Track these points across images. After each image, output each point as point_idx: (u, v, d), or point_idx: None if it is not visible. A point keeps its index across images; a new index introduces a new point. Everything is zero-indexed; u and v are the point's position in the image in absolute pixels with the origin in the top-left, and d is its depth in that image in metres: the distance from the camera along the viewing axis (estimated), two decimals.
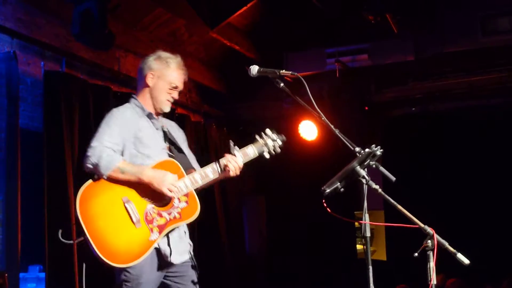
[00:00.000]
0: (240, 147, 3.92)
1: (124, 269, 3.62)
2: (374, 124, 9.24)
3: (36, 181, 5.76)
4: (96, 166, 3.61)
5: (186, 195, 3.78)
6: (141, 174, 3.64)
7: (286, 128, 8.38)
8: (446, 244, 2.99)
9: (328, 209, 3.22)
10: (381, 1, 7.27)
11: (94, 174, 3.67)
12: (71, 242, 3.71)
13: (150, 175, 3.65)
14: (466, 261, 2.96)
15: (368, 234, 3.13)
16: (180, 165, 3.82)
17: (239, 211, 9.42)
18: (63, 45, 6.38)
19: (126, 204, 3.61)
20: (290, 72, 3.69)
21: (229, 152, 3.89)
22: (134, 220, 3.59)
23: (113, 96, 6.70)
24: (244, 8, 7.20)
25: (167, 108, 3.99)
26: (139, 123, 3.86)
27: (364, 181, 3.16)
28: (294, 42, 8.71)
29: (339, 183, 3.21)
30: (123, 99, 6.80)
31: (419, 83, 8.77)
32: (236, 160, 3.86)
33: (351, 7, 7.84)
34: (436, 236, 2.97)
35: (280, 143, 4.03)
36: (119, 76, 7.14)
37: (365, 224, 3.12)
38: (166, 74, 3.95)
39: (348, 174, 3.21)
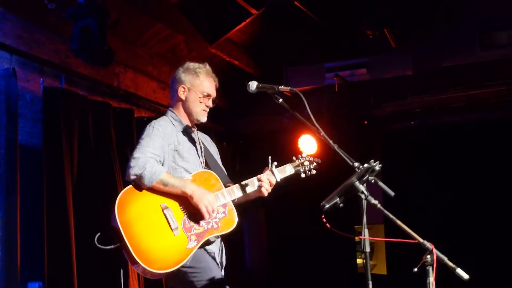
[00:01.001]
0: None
1: (187, 271, 3.64)
2: (373, 138, 9.24)
3: (35, 197, 5.75)
4: (139, 177, 3.60)
5: (224, 206, 3.82)
6: (184, 187, 3.66)
7: (285, 142, 8.47)
8: (446, 259, 2.98)
9: (327, 224, 3.22)
10: (379, 16, 7.31)
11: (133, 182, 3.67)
12: (108, 247, 3.68)
13: (193, 189, 3.67)
14: (465, 276, 2.95)
15: (367, 249, 3.12)
16: (218, 177, 3.88)
17: (240, 224, 9.39)
18: (62, 62, 6.40)
19: (164, 211, 3.63)
20: (289, 88, 3.71)
21: (268, 169, 3.98)
22: (173, 227, 3.60)
23: (113, 112, 6.71)
24: (243, 23, 7.23)
25: (203, 118, 4.03)
26: (178, 137, 3.90)
27: (363, 196, 3.16)
28: (293, 57, 8.75)
29: (338, 199, 3.20)
30: (122, 115, 6.87)
31: (418, 97, 8.78)
32: (269, 178, 3.94)
33: (349, 22, 7.88)
34: (435, 251, 2.96)
35: (315, 164, 4.15)
36: (118, 92, 7.15)
37: (364, 239, 3.11)
38: (197, 84, 3.99)
39: (347, 190, 3.21)
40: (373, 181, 3.24)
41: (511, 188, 8.28)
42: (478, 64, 7.98)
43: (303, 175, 4.09)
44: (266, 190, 3.93)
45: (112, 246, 3.64)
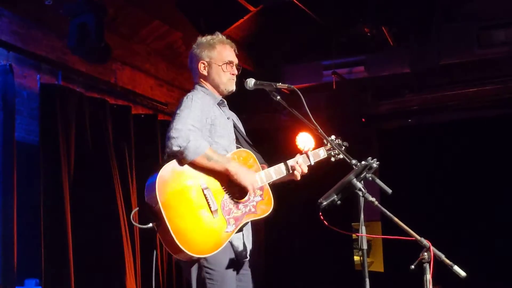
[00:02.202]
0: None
1: (206, 267, 3.50)
2: (370, 135, 9.25)
3: (32, 194, 5.74)
4: (184, 149, 3.39)
5: (261, 189, 3.69)
6: (228, 164, 3.51)
7: (283, 140, 8.47)
8: (443, 256, 2.99)
9: (325, 222, 3.22)
10: (377, 14, 7.30)
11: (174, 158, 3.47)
12: (148, 226, 3.38)
13: (237, 167, 3.54)
14: (462, 273, 2.96)
15: (364, 246, 3.12)
16: (256, 158, 3.78)
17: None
18: (59, 58, 6.38)
19: (205, 191, 3.46)
20: (287, 85, 3.71)
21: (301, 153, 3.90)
22: (213, 209, 3.44)
23: (110, 108, 6.70)
24: (241, 20, 7.21)
25: (232, 87, 3.88)
26: (214, 111, 3.75)
27: (360, 193, 3.16)
28: (291, 54, 8.74)
29: (335, 196, 3.21)
30: (119, 112, 6.86)
31: (416, 95, 8.79)
32: (305, 161, 3.86)
33: (347, 19, 7.87)
34: (432, 248, 2.96)
35: (343, 148, 3.99)
36: (115, 88, 7.13)
37: (361, 236, 3.11)
38: (215, 56, 3.86)
39: (344, 187, 3.21)
40: (370, 178, 3.25)
41: (508, 185, 8.29)
42: (475, 62, 7.98)
43: (332, 159, 3.97)
44: (299, 173, 3.82)
45: (150, 225, 3.38)
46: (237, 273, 3.69)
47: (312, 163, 3.91)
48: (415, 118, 9.16)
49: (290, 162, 3.84)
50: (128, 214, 6.58)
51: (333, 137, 4.04)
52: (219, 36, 3.95)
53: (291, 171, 3.82)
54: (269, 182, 3.74)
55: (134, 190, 6.83)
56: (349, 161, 3.40)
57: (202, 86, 3.87)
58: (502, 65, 8.01)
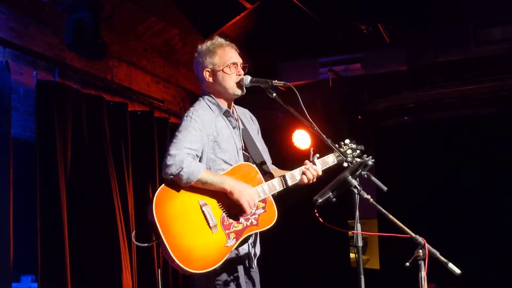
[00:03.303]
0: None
1: (215, 280, 3.54)
2: (366, 133, 9.25)
3: (28, 190, 5.74)
4: (177, 176, 3.45)
5: (264, 201, 3.68)
6: (223, 184, 3.53)
7: (280, 137, 8.48)
8: (438, 253, 2.99)
9: (320, 219, 3.22)
10: (374, 11, 7.31)
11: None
12: (146, 245, 3.54)
13: (232, 185, 3.54)
14: (457, 270, 2.97)
15: (360, 243, 3.13)
16: (257, 169, 3.76)
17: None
18: (56, 55, 6.38)
19: (203, 208, 3.50)
20: (283, 82, 3.71)
21: (309, 160, 3.82)
22: (211, 224, 3.46)
23: (106, 105, 6.70)
24: (238, 17, 7.21)
25: (239, 90, 3.85)
26: (217, 125, 3.74)
27: (356, 191, 3.17)
28: (288, 52, 8.74)
29: (331, 193, 3.21)
30: (116, 109, 6.86)
31: (412, 93, 8.80)
32: (315, 168, 3.78)
33: (344, 17, 7.87)
34: (427, 245, 2.97)
35: (359, 152, 3.94)
36: (112, 85, 7.13)
37: (357, 233, 3.12)
38: (217, 61, 3.82)
39: (340, 184, 3.22)
40: (366, 176, 3.25)
41: (504, 182, 8.31)
42: (472, 60, 7.99)
43: (345, 164, 3.78)
44: (308, 181, 3.77)
45: (150, 244, 3.52)
46: (245, 274, 3.74)
47: (320, 173, 3.82)
48: (412, 116, 9.16)
49: (296, 172, 3.79)
50: (124, 210, 6.60)
51: (347, 141, 4.00)
52: (217, 40, 3.90)
53: (297, 181, 3.78)
54: (272, 194, 3.73)
55: (130, 186, 6.83)
56: (344, 158, 3.41)
57: (209, 95, 3.86)
58: (498, 62, 8.02)
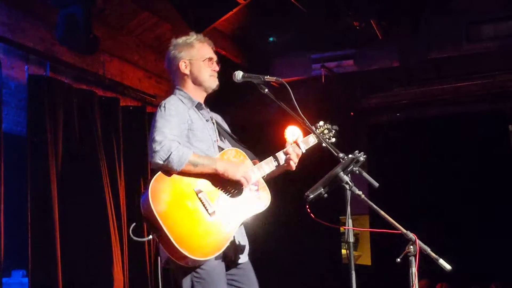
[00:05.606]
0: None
1: (194, 271, 3.49)
2: (359, 129, 9.27)
3: (19, 185, 5.72)
4: (167, 161, 3.40)
5: (256, 184, 3.72)
6: (215, 165, 3.54)
7: (272, 133, 8.47)
8: (428, 249, 3.01)
9: (311, 214, 3.23)
10: (366, 7, 7.30)
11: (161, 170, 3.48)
12: (143, 239, 3.51)
13: (224, 165, 3.56)
14: (448, 266, 2.98)
15: (351, 239, 3.13)
16: (245, 153, 3.80)
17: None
18: (47, 49, 6.34)
19: (199, 195, 3.49)
20: (275, 78, 3.71)
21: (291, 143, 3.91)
22: (210, 210, 3.47)
23: (98, 100, 6.68)
24: (230, 13, 7.19)
25: (214, 83, 3.90)
26: (190, 115, 3.75)
27: (347, 186, 3.18)
28: (280, 48, 8.72)
29: (322, 189, 3.22)
30: (108, 104, 6.84)
31: (405, 89, 8.83)
32: (295, 149, 3.88)
33: (336, 13, 7.86)
34: (418, 241, 2.98)
35: (334, 132, 4.09)
36: (104, 80, 7.10)
37: (348, 229, 3.13)
38: (195, 53, 3.87)
39: (331, 180, 3.22)
40: (357, 172, 3.26)
41: (496, 179, 8.34)
42: (464, 57, 8.02)
43: (324, 144, 3.82)
44: (294, 163, 3.85)
45: (148, 238, 3.49)
46: (229, 269, 3.71)
47: (304, 151, 3.93)
48: (404, 112, 9.18)
49: (281, 153, 3.86)
50: (116, 205, 6.59)
51: (321, 122, 4.12)
52: (195, 35, 3.97)
53: (282, 162, 3.84)
54: (263, 176, 3.77)
55: (122, 182, 6.81)
56: (336, 154, 3.41)
57: (181, 90, 3.89)
58: (490, 59, 8.05)
